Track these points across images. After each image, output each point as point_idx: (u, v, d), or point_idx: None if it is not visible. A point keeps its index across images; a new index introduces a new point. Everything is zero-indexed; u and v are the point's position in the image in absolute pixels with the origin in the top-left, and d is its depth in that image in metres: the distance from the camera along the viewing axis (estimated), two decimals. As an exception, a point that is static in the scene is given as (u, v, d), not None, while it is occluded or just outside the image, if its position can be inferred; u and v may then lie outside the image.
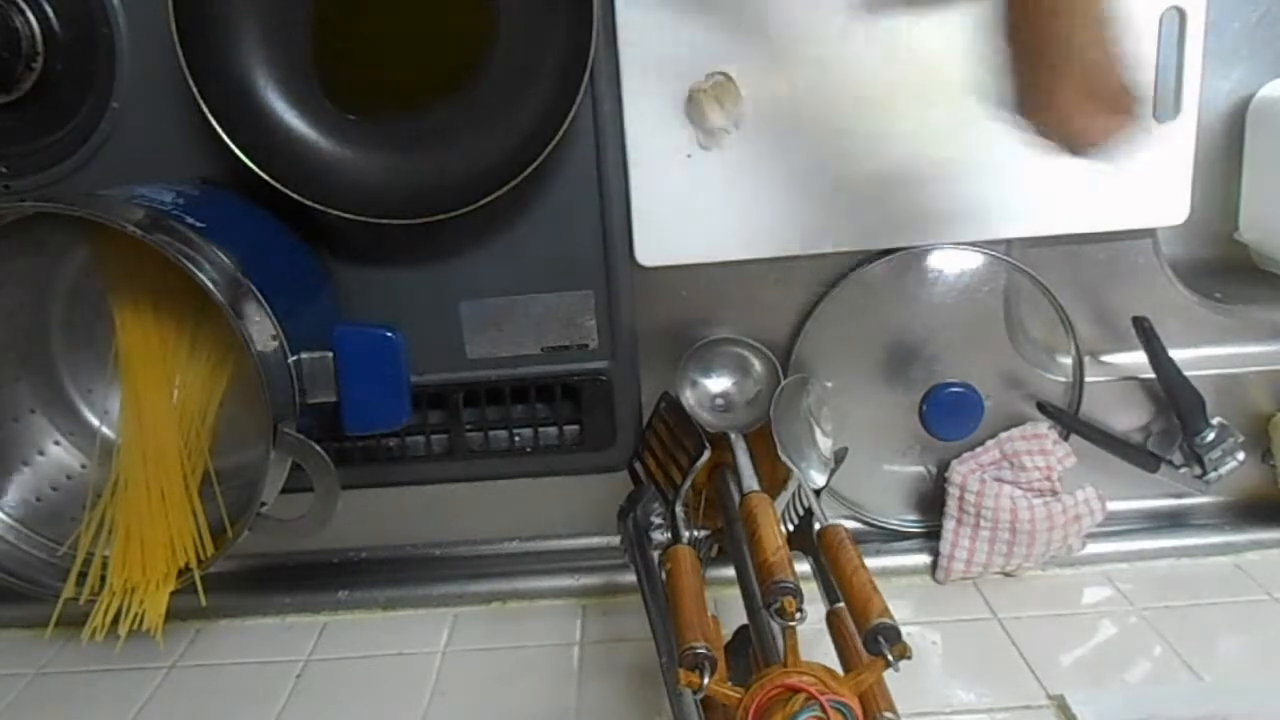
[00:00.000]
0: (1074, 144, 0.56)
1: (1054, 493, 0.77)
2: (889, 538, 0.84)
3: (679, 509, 0.69)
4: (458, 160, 0.72)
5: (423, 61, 0.72)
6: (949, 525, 0.79)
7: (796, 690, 0.47)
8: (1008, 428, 0.80)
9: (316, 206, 0.69)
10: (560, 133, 0.66)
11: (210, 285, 0.60)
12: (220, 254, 0.63)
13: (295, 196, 0.68)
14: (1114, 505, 0.79)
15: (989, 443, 0.80)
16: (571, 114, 0.66)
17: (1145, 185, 0.75)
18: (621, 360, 0.79)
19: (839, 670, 0.52)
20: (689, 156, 0.75)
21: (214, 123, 0.66)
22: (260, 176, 0.67)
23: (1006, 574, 0.80)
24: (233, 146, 0.67)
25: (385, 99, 0.72)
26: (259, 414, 0.64)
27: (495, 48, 0.71)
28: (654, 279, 0.78)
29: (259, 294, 0.63)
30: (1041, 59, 0.54)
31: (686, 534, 0.67)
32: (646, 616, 0.63)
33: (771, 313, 0.79)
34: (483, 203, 0.68)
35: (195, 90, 0.66)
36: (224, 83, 0.68)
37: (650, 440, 0.78)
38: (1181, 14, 0.72)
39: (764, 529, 0.60)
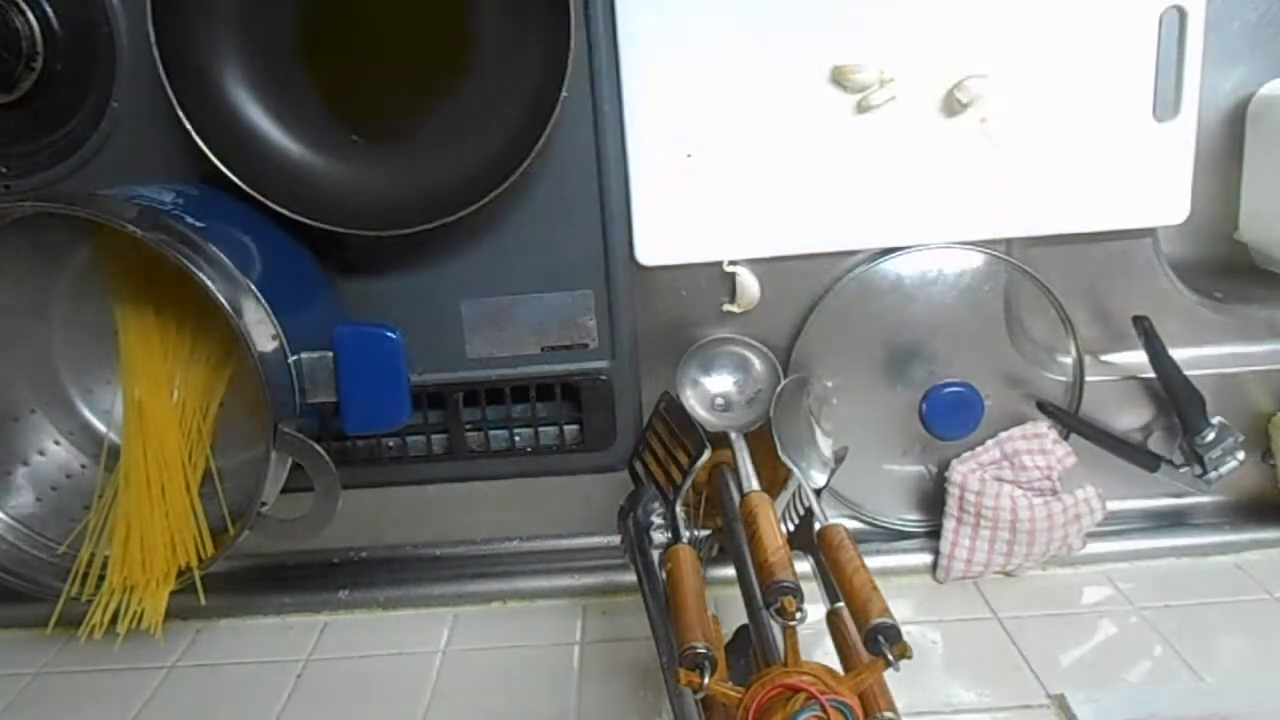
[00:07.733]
0: None
1: (1054, 492, 0.77)
2: (889, 538, 0.83)
3: (679, 509, 0.69)
4: (452, 166, 0.71)
5: (407, 68, 0.71)
6: (949, 525, 0.79)
7: (797, 690, 0.47)
8: (1008, 427, 0.80)
9: (318, 225, 0.69)
10: (544, 135, 0.65)
11: (210, 285, 0.60)
12: (220, 254, 0.63)
13: (297, 218, 0.68)
14: (1114, 505, 0.79)
15: (989, 442, 0.80)
16: (555, 115, 0.65)
17: (1145, 185, 0.75)
18: (621, 360, 0.79)
19: (839, 670, 0.52)
20: (689, 156, 0.75)
21: (208, 152, 0.66)
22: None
23: (1006, 573, 0.80)
24: (232, 176, 0.67)
25: (375, 110, 0.72)
26: (259, 414, 0.64)
27: (478, 50, 0.70)
28: (654, 279, 0.78)
29: (259, 294, 0.63)
30: None
31: (686, 534, 0.67)
32: (646, 616, 0.63)
33: (771, 313, 0.79)
34: (478, 206, 0.67)
35: (184, 117, 0.66)
36: (213, 110, 0.69)
37: (650, 440, 0.78)
38: (1182, 14, 0.72)
39: (764, 529, 0.60)
